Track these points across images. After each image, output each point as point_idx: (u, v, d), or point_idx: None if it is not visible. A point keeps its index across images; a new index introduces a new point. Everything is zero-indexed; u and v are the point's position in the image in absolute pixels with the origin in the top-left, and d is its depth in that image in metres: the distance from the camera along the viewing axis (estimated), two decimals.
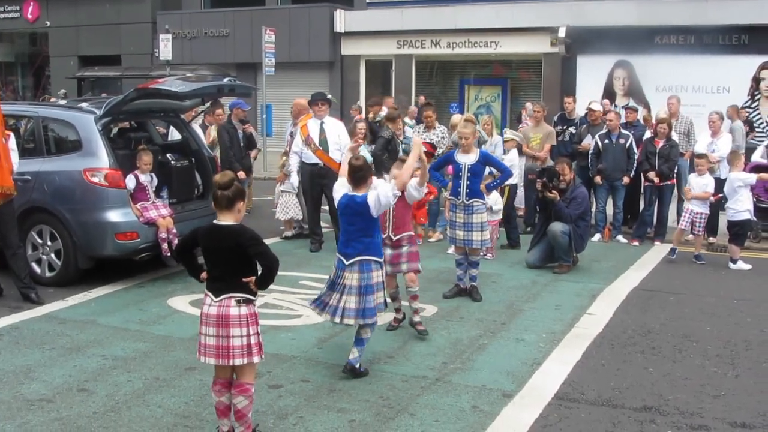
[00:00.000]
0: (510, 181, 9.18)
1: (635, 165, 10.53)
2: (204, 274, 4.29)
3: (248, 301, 4.21)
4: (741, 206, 9.16)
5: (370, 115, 11.61)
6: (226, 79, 8.95)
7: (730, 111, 13.31)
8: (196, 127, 10.03)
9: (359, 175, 5.26)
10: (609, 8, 18.20)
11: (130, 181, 7.96)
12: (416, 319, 6.32)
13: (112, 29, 25.45)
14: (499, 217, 9.62)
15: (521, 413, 4.84)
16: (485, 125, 10.46)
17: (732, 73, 17.76)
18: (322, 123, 9.61)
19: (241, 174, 10.26)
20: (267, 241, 4.45)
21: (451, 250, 8.49)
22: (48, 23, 27.28)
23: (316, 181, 9.61)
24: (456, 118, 10.42)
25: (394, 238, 6.19)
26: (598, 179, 10.58)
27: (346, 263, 5.24)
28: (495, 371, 5.55)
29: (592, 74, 19.25)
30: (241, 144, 11.35)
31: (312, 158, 9.58)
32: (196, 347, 4.29)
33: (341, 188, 5.43)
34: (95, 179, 7.64)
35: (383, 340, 6.16)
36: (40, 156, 8.04)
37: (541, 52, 19.91)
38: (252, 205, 12.63)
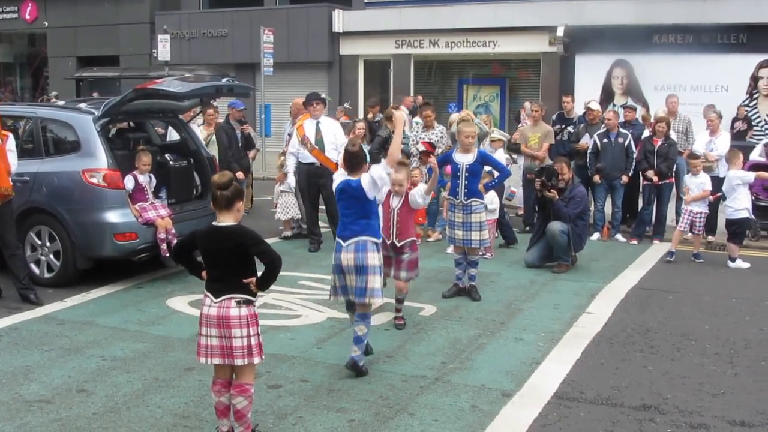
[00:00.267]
0: None
1: (634, 164, 10.53)
2: (205, 273, 4.30)
3: (248, 302, 4.21)
4: (739, 204, 9.16)
5: (369, 115, 11.63)
6: (224, 80, 8.94)
7: (705, 110, 13.23)
8: (194, 127, 10.03)
9: (355, 161, 5.37)
10: (607, 7, 18.22)
11: (129, 182, 7.96)
12: (398, 315, 6.62)
13: (111, 30, 25.43)
14: (496, 216, 9.62)
15: (520, 412, 4.84)
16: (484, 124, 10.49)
17: (730, 71, 17.79)
18: (318, 123, 9.63)
19: (240, 174, 10.26)
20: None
21: (450, 249, 8.51)
22: (46, 24, 27.27)
23: (313, 180, 9.62)
24: (454, 116, 10.43)
25: (398, 245, 6.38)
26: (596, 178, 10.57)
27: (344, 245, 5.33)
28: (494, 371, 5.56)
29: (590, 73, 19.27)
30: (239, 144, 11.35)
31: (309, 158, 9.59)
32: (196, 348, 4.28)
33: (339, 176, 5.52)
34: (94, 180, 7.64)
35: (382, 339, 6.16)
36: (38, 157, 8.03)
37: (539, 52, 19.93)
38: (252, 205, 12.63)
